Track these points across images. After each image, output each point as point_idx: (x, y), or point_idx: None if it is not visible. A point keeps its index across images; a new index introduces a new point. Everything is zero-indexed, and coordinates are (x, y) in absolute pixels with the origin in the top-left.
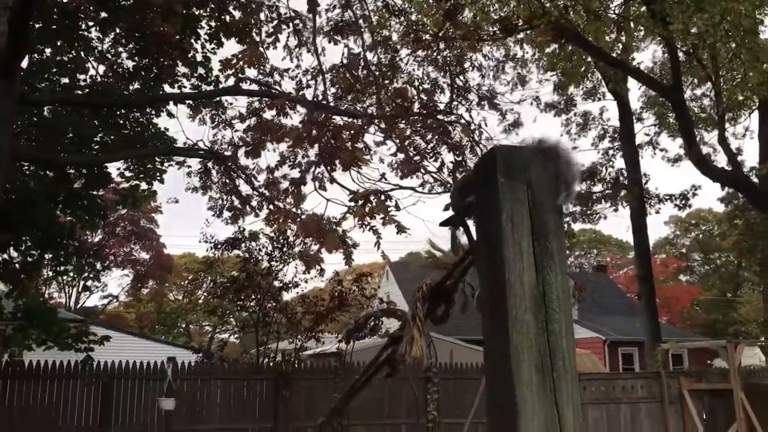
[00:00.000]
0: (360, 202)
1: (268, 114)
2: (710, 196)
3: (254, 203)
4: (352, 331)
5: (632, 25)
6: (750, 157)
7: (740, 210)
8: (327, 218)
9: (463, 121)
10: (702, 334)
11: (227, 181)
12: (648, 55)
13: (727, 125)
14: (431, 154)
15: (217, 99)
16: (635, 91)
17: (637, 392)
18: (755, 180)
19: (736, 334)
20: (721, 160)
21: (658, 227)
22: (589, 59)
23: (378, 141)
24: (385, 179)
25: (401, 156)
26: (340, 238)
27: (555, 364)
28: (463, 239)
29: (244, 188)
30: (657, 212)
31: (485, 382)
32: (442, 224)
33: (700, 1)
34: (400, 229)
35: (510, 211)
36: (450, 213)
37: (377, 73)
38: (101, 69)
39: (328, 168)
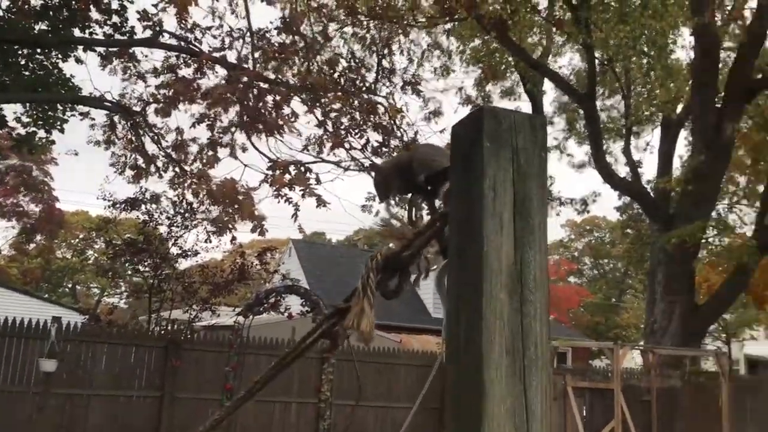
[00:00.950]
0: (279, 171)
1: (185, 72)
2: (606, 205)
3: (160, 164)
4: (252, 305)
5: (555, 29)
6: (647, 171)
7: (633, 220)
8: (243, 184)
9: (391, 101)
10: (585, 335)
11: (133, 138)
12: (564, 61)
13: (631, 138)
14: (356, 131)
15: (132, 50)
16: (549, 94)
17: None
18: (651, 193)
19: (616, 337)
20: (621, 171)
21: (554, 229)
22: (510, 59)
23: (304, 111)
24: (308, 151)
25: (327, 129)
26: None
27: (527, 349)
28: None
29: (151, 147)
30: (557, 214)
31: (447, 362)
32: (403, 193)
33: (623, 14)
34: (320, 202)
35: (493, 179)
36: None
37: (308, 40)
38: (4, 3)
39: (249, 132)
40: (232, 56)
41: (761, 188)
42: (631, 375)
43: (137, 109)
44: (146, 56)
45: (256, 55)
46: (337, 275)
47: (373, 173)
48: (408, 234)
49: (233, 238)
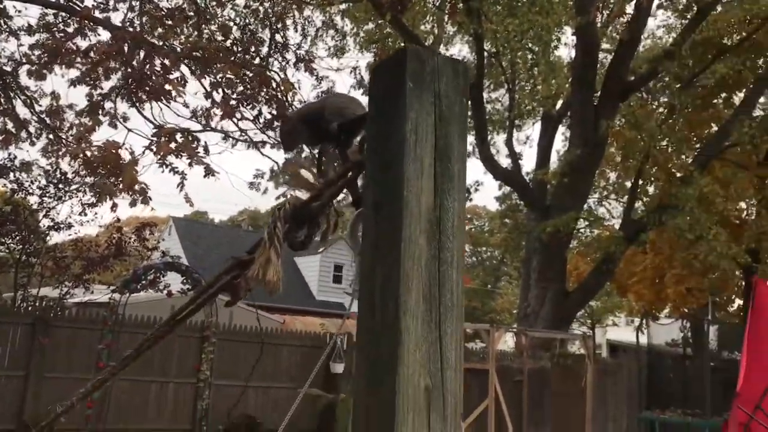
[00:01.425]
0: (165, 138)
1: (64, 33)
2: (487, 194)
3: (32, 129)
4: (130, 281)
5: (447, 18)
6: (527, 163)
7: (512, 210)
8: (128, 148)
9: (283, 76)
10: None
11: (2, 100)
12: (454, 50)
13: (514, 130)
14: (248, 102)
15: (2, 4)
16: None
17: None
18: (530, 184)
19: (492, 321)
20: (503, 162)
21: None
22: (403, 44)
23: (193, 79)
24: (196, 119)
25: (215, 100)
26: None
27: (443, 296)
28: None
29: (23, 111)
30: None
31: (359, 316)
32: (312, 142)
33: (512, 7)
34: (209, 172)
35: (415, 123)
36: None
37: (200, 6)
38: None
39: (133, 97)
40: (116, 19)
41: (629, 184)
42: (504, 356)
43: (8, 69)
44: (20, 12)
45: (144, 19)
46: (218, 256)
47: (279, 123)
48: (317, 184)
49: (114, 206)
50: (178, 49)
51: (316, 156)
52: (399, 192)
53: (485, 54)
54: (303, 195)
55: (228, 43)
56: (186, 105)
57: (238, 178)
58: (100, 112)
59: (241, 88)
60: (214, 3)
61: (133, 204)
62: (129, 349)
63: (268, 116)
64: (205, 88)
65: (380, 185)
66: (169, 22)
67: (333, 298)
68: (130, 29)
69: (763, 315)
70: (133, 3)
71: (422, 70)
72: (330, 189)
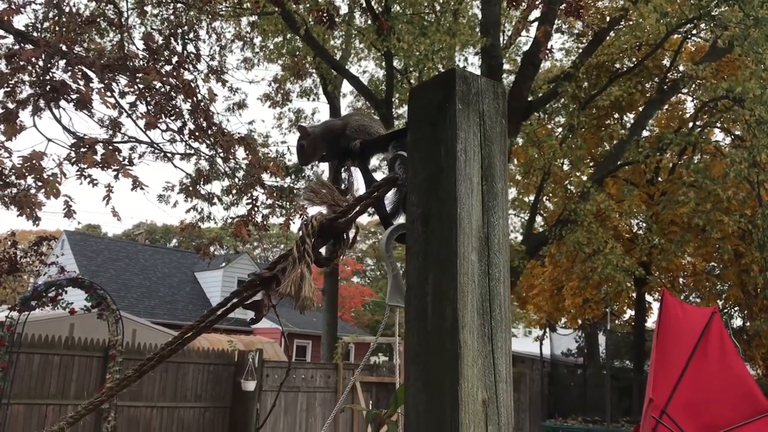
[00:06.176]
0: (85, 149)
1: None
2: None
3: None
4: (29, 298)
5: (356, 33)
6: None
7: None
8: (55, 159)
9: (208, 86)
10: (365, 332)
11: None
12: (360, 67)
13: None
14: (171, 111)
15: None
16: (348, 98)
17: (315, 382)
18: None
19: (394, 333)
20: None
21: None
22: (311, 59)
23: (123, 87)
24: (119, 130)
25: (131, 109)
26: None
27: (493, 311)
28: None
29: None
30: None
31: (408, 327)
32: (328, 158)
33: (423, 27)
34: (137, 184)
35: (464, 142)
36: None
37: (122, 11)
38: None
39: (51, 104)
40: (19, 23)
41: (527, 200)
42: None
43: None
44: None
45: (62, 26)
46: (115, 271)
47: (298, 134)
48: (339, 200)
49: (37, 219)
50: (102, 60)
51: (334, 172)
52: (451, 209)
53: (395, 70)
54: (324, 210)
55: (147, 53)
56: (111, 117)
57: (143, 190)
58: (16, 117)
59: (163, 99)
60: (137, 11)
61: (68, 215)
62: (25, 370)
63: (192, 127)
64: (115, 99)
65: (429, 200)
66: (85, 27)
67: (237, 314)
68: (37, 34)
69: (670, 325)
70: (37, 4)
71: (468, 91)
72: (358, 205)
